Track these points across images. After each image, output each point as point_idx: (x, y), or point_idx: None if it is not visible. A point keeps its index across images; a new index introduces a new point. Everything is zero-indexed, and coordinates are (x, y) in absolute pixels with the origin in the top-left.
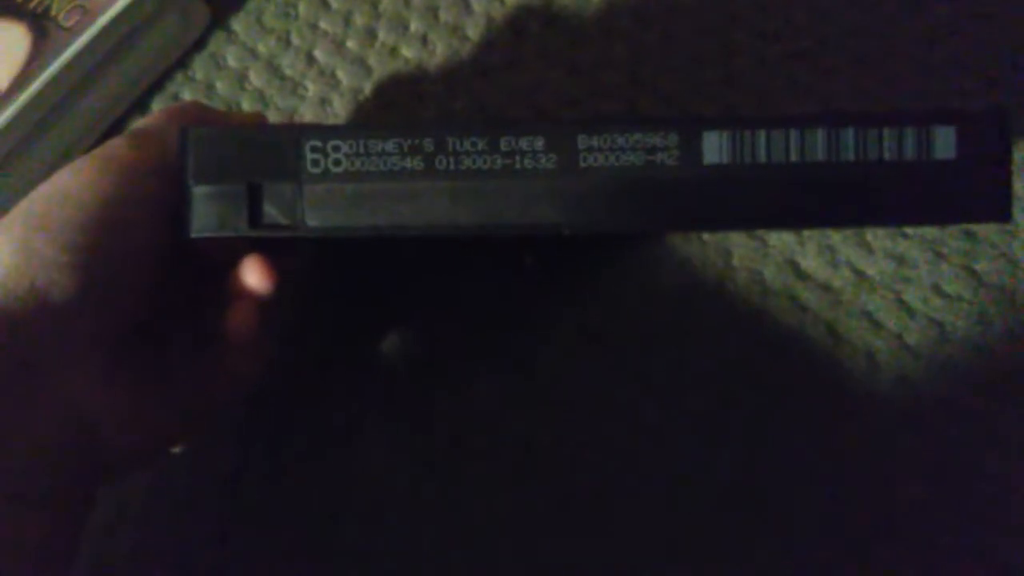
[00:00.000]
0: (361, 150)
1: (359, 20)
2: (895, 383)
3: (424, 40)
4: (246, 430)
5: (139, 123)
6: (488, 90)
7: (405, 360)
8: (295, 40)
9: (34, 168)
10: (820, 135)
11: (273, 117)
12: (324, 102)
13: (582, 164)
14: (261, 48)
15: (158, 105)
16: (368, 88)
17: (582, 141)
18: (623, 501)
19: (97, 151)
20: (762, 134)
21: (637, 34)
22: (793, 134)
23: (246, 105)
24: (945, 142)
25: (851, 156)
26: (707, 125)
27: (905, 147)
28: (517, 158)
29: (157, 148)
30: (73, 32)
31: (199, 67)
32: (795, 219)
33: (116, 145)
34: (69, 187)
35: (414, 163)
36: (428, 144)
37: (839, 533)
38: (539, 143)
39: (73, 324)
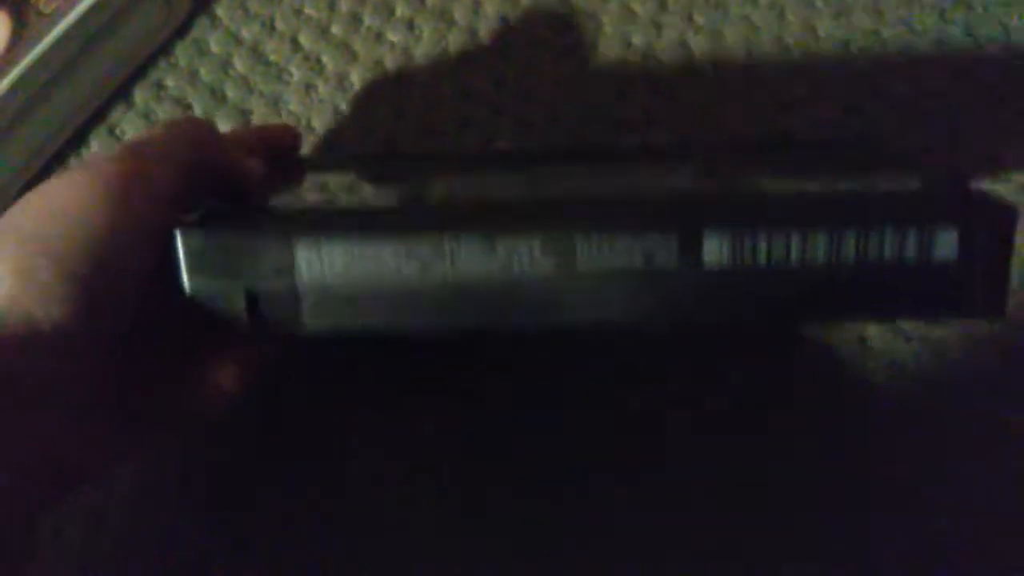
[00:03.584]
0: (356, 255)
1: (344, 5)
2: (887, 368)
3: (410, 25)
4: (237, 418)
5: (140, 138)
6: (475, 76)
7: (402, 361)
8: (279, 25)
9: (14, 158)
10: (821, 239)
11: (257, 103)
12: (309, 88)
13: (580, 268)
14: (245, 34)
15: (141, 93)
16: (353, 74)
17: (580, 246)
18: (621, 497)
19: (96, 166)
20: (763, 237)
21: (624, 15)
22: (795, 238)
23: (230, 92)
24: (947, 244)
25: (851, 258)
26: (707, 226)
27: (906, 248)
28: (514, 261)
29: (158, 170)
30: (53, 18)
31: (182, 54)
32: (792, 317)
33: (115, 161)
34: (69, 207)
35: (410, 267)
36: (424, 249)
37: (835, 521)
38: (536, 246)
39: (59, 357)
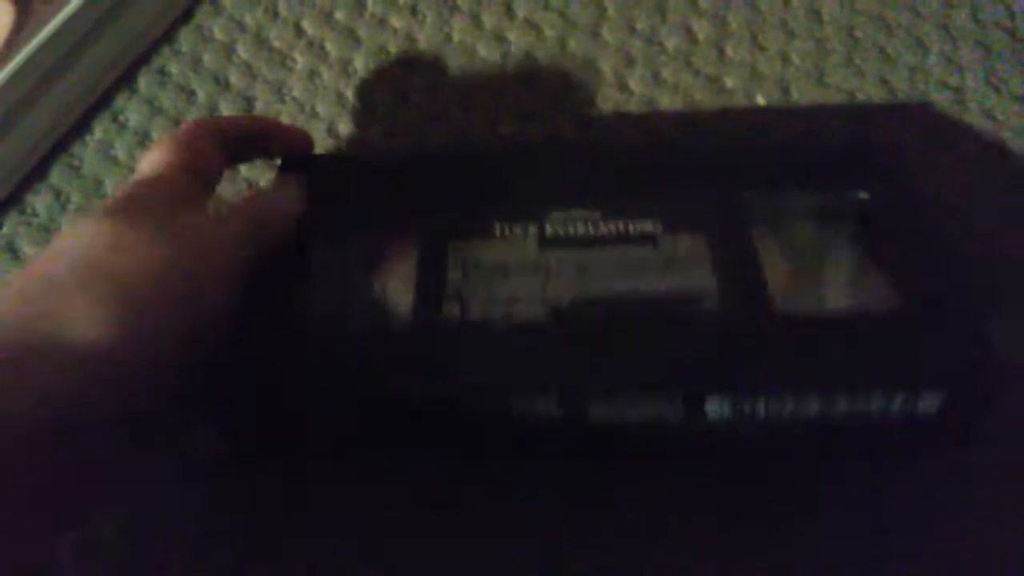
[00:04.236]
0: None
1: None
2: None
3: (414, 10)
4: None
5: (230, 202)
6: (478, 61)
7: None
8: (283, 11)
9: (19, 144)
10: (815, 401)
11: (261, 89)
12: (313, 74)
13: (592, 420)
14: (248, 20)
15: (144, 79)
16: (357, 60)
17: (593, 405)
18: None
19: (180, 221)
20: (761, 400)
21: (623, 11)
22: (789, 399)
23: (234, 79)
24: (930, 402)
25: (841, 414)
26: (710, 393)
27: (892, 407)
28: (528, 410)
29: (240, 232)
30: (56, 4)
31: (185, 40)
32: (783, 455)
33: (208, 221)
34: (160, 262)
35: (428, 409)
36: (443, 396)
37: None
38: (552, 404)
39: (133, 398)
